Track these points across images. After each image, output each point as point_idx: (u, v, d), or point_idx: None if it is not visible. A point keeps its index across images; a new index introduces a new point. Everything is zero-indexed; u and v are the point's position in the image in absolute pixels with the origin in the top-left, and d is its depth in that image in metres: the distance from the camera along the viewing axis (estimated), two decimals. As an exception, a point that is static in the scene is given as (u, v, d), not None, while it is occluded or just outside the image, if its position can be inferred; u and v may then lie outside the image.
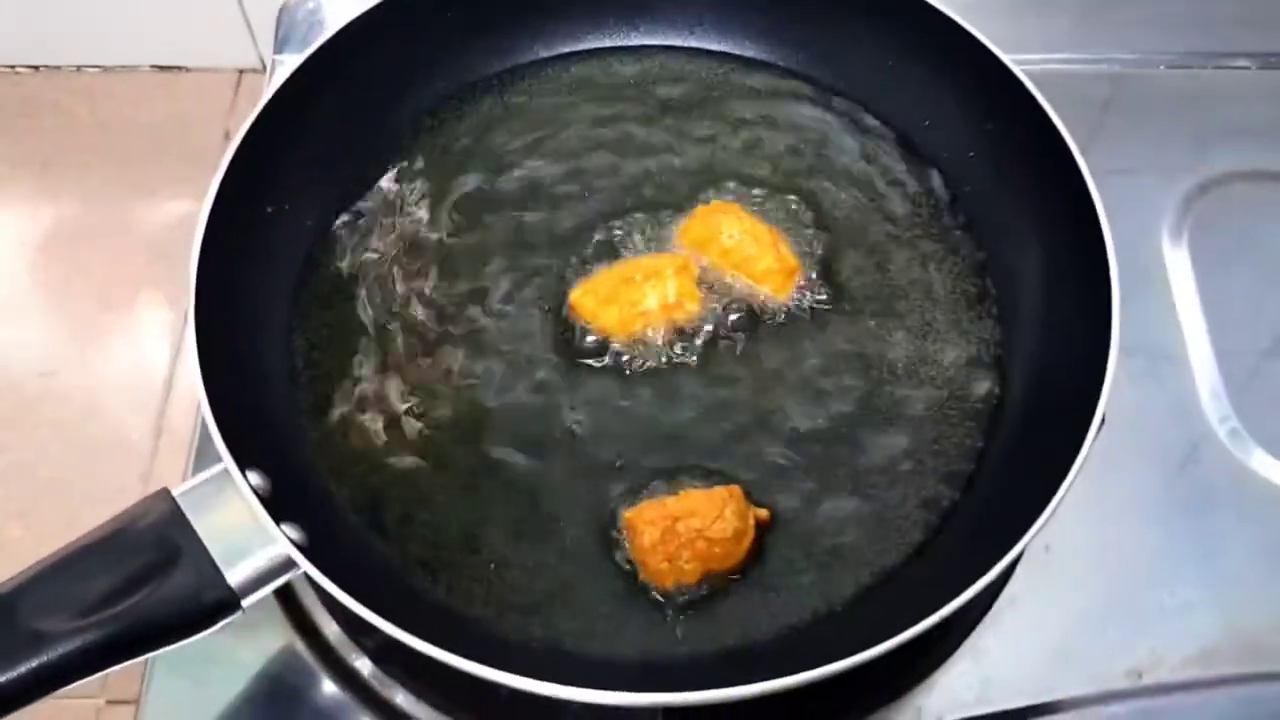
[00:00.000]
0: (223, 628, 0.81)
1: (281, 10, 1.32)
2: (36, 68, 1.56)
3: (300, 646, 0.98)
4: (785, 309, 1.02)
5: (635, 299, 0.98)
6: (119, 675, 0.86)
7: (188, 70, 1.56)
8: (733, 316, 1.02)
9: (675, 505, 0.90)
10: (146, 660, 0.94)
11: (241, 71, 1.55)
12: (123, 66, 1.56)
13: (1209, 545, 1.03)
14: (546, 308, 1.02)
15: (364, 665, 0.97)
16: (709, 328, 1.01)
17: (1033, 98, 1.01)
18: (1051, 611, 1.00)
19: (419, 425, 0.97)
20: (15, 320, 1.36)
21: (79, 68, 1.56)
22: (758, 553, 0.92)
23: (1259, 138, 1.26)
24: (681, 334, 1.00)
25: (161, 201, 1.45)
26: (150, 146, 1.50)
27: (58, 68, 1.56)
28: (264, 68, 1.35)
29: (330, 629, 0.98)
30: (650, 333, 0.99)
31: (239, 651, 0.97)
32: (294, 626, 0.98)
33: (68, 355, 1.34)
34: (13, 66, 1.56)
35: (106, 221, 1.44)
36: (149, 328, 1.37)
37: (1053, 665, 0.97)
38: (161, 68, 1.56)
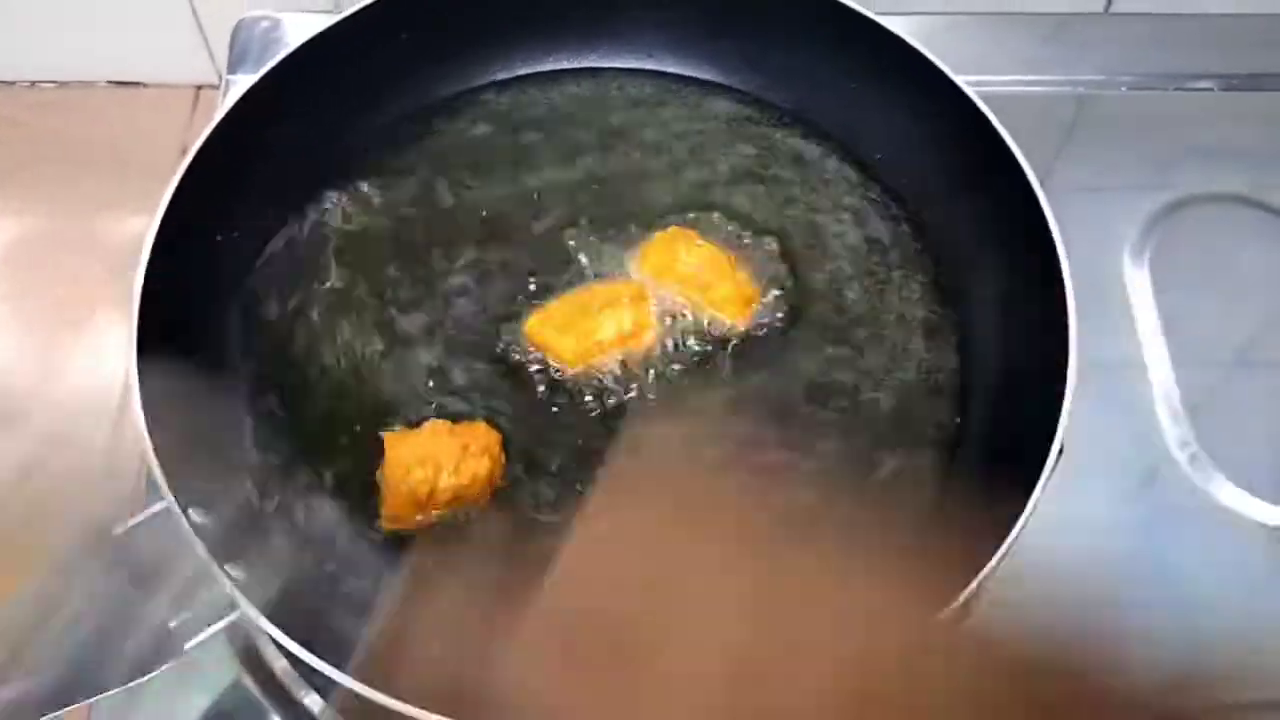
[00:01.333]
0: (163, 672, 0.79)
1: (236, 29, 1.30)
2: (-10, 83, 1.54)
3: (248, 682, 0.96)
4: (743, 335, 1.01)
5: (591, 328, 0.97)
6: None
7: (145, 86, 1.54)
8: (689, 344, 1.00)
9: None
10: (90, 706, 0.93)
11: (199, 87, 1.53)
12: (79, 82, 1.54)
13: (1168, 572, 1.03)
14: (497, 337, 1.01)
15: (314, 702, 0.95)
16: (665, 355, 1.00)
17: (986, 118, 1.00)
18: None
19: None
20: (-32, 338, 1.34)
21: (33, 83, 1.54)
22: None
23: (1221, 159, 1.25)
24: (637, 363, 0.99)
25: (119, 218, 1.43)
26: (107, 162, 1.48)
27: (12, 83, 1.54)
28: (221, 84, 1.33)
29: (279, 664, 0.96)
30: (606, 362, 0.98)
31: (185, 689, 0.95)
32: (241, 662, 0.96)
33: (22, 373, 1.32)
34: (-34, 82, 1.54)
35: (63, 238, 1.42)
36: (105, 346, 1.34)
37: (1012, 696, 0.97)
38: (118, 83, 1.54)
